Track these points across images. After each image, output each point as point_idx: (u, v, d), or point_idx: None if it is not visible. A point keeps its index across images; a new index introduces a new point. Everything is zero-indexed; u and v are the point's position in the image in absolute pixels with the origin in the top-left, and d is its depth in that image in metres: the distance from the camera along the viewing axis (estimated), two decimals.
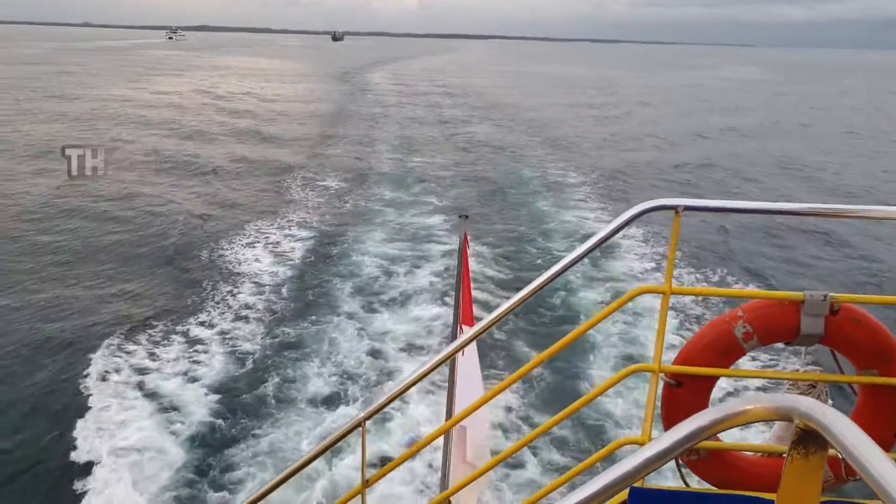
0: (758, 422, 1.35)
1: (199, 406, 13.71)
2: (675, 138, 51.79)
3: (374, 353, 15.90)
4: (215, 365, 15.29)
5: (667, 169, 40.25)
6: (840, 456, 1.17)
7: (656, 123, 60.08)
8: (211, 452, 12.38)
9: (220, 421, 13.27)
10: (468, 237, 5.10)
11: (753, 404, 1.34)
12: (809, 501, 1.30)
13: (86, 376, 14.58)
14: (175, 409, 13.58)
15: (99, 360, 15.18)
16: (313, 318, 17.88)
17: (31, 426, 13.11)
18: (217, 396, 14.09)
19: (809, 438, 1.26)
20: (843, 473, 3.11)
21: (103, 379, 14.52)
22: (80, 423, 12.94)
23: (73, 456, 12.09)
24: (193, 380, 14.64)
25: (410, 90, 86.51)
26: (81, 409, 13.40)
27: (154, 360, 15.39)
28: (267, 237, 24.65)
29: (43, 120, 49.11)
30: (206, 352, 15.90)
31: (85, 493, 11.26)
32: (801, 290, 3.33)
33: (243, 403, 13.92)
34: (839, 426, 1.15)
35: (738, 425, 1.35)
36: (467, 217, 5.23)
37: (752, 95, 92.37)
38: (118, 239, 24.13)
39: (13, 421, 13.22)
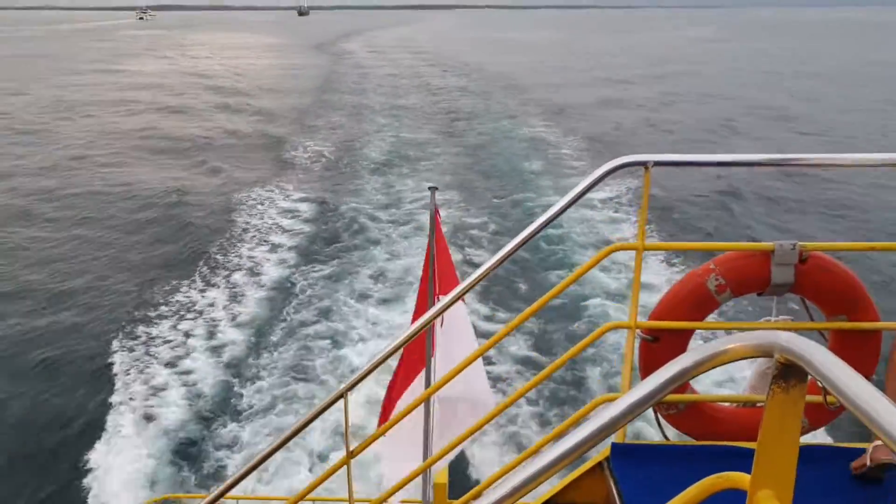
0: (739, 360, 1.37)
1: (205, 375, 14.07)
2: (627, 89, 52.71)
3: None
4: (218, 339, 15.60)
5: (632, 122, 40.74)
6: (820, 384, 1.20)
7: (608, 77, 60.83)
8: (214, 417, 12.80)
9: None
10: (438, 208, 5.06)
11: (733, 343, 1.36)
12: (791, 433, 1.33)
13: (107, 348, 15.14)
14: (186, 375, 14.01)
15: (117, 334, 15.71)
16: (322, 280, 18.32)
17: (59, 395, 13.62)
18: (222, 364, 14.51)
19: (790, 372, 1.29)
20: (824, 399, 3.17)
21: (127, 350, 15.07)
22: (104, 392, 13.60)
23: (96, 419, 12.71)
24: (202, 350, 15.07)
25: (383, 57, 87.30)
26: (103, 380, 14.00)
27: (162, 332, 15.82)
28: (263, 210, 24.85)
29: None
30: (207, 327, 16.14)
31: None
32: (772, 241, 3.36)
33: (241, 374, 14.23)
34: (819, 356, 1.18)
35: (720, 365, 1.36)
36: (437, 188, 5.19)
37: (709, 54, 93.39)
38: (123, 218, 24.25)
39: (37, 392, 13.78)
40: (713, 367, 1.37)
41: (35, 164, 32.23)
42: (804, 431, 3.47)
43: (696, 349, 1.39)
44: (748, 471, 1.40)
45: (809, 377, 1.23)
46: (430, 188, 5.12)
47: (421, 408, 4.41)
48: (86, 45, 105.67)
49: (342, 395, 3.28)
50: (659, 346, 3.51)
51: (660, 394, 1.35)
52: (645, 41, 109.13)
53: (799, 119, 42.38)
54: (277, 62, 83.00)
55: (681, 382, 1.36)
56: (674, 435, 3.69)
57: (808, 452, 3.06)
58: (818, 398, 3.22)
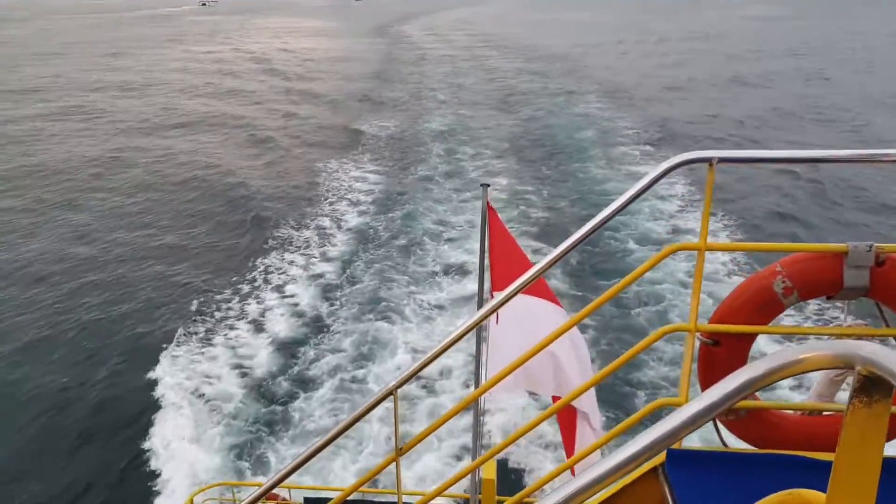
0: (815, 371, 1.26)
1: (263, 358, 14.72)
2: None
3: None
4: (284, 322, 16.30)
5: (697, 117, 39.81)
6: None
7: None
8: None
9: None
10: (491, 205, 5.00)
11: (809, 352, 1.25)
12: (874, 452, 1.21)
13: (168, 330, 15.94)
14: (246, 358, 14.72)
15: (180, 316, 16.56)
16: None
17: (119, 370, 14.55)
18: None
19: (874, 386, 1.17)
20: None
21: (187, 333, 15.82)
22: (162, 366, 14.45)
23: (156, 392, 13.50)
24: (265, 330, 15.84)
25: (441, 39, 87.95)
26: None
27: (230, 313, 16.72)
28: (331, 199, 25.54)
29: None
30: (272, 310, 16.90)
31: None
32: (844, 243, 3.18)
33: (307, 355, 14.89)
34: None
35: (793, 375, 1.26)
36: (489, 186, 5.13)
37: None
38: (187, 200, 25.28)
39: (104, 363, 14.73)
40: (786, 377, 1.27)
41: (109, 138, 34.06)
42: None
43: (769, 357, 1.29)
44: (813, 483, 1.30)
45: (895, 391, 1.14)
46: (482, 185, 5.05)
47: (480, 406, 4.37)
48: (149, 31, 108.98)
49: (391, 393, 3.26)
50: (719, 349, 3.37)
51: (726, 403, 1.26)
52: (714, 21, 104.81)
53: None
54: (338, 44, 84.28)
55: (749, 392, 1.27)
56: (732, 442, 3.55)
57: (889, 465, 2.89)
58: None
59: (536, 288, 4.82)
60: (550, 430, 11.73)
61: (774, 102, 42.39)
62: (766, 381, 1.26)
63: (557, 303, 4.97)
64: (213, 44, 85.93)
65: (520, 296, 3.40)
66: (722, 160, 3.09)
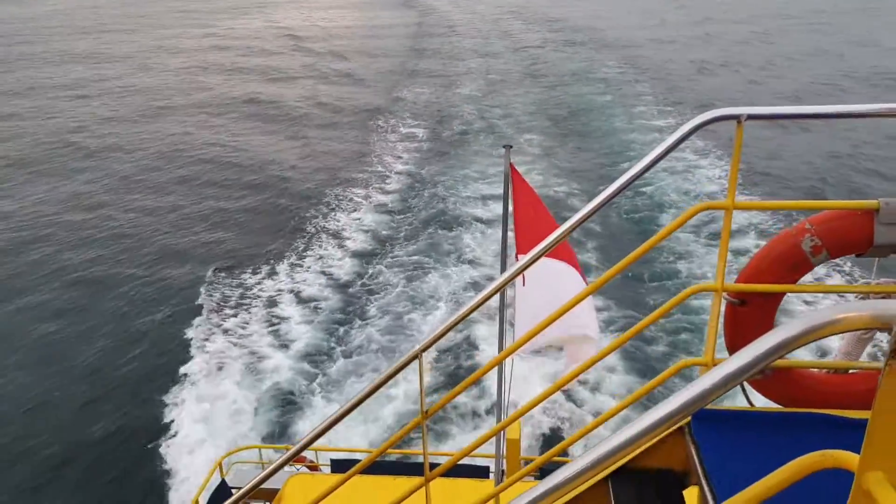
0: (852, 331, 1.24)
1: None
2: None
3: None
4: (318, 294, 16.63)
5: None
6: None
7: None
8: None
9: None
10: (514, 167, 4.94)
11: (846, 312, 1.22)
12: None
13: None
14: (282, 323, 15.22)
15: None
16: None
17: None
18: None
19: None
20: None
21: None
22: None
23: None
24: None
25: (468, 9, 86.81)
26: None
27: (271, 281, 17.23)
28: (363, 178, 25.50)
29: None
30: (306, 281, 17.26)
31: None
32: (875, 199, 3.11)
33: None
34: None
35: (829, 335, 1.24)
36: (511, 147, 5.05)
37: None
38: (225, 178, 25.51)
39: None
40: (821, 338, 1.24)
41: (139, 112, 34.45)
42: None
43: (804, 317, 1.26)
44: (842, 442, 1.28)
45: None
46: (504, 146, 4.98)
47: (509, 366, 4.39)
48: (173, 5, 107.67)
49: (417, 356, 3.28)
50: (746, 309, 3.32)
51: (760, 363, 1.24)
52: None
53: None
54: (368, 15, 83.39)
55: (783, 353, 1.25)
56: (759, 401, 3.53)
57: None
58: None
59: (560, 251, 4.80)
60: (592, 383, 11.89)
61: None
62: (802, 341, 1.24)
63: (577, 267, 4.96)
64: (240, 18, 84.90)
65: (544, 259, 3.38)
66: (751, 116, 3.01)
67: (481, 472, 7.08)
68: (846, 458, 1.32)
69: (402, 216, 20.88)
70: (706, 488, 2.73)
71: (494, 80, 40.21)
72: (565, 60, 45.85)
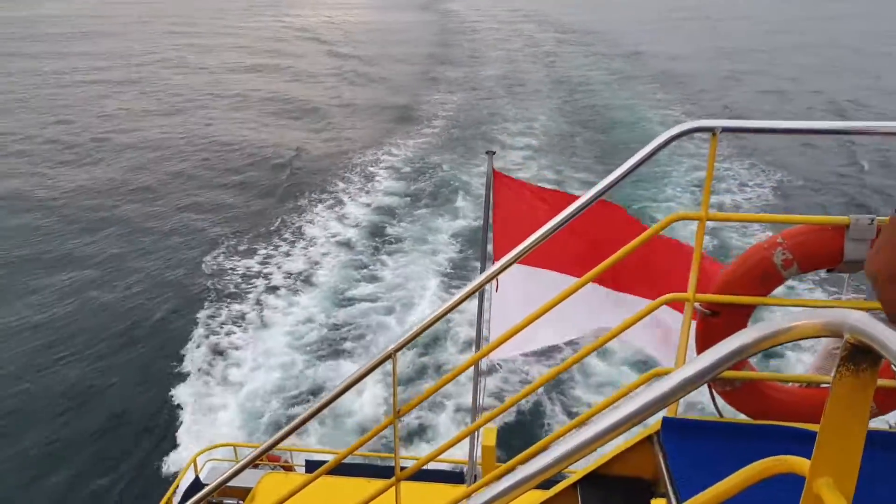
0: (804, 339, 1.27)
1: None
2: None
3: None
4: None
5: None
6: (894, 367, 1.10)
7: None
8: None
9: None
10: (498, 171, 4.96)
11: (799, 321, 1.25)
12: (859, 420, 1.22)
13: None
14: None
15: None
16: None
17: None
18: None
19: (861, 354, 1.18)
20: None
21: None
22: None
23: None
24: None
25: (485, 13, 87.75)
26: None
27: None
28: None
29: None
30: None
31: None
32: (846, 215, 3.16)
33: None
34: (894, 338, 1.07)
35: (783, 343, 1.26)
36: (494, 153, 5.06)
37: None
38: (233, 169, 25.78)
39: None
40: (775, 345, 1.27)
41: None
42: (872, 416, 3.30)
43: (758, 325, 1.30)
44: (806, 453, 1.31)
45: (882, 360, 1.13)
46: (487, 153, 4.98)
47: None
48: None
49: (390, 356, 3.28)
50: (718, 321, 3.36)
51: (717, 369, 1.27)
52: None
53: None
54: (389, 18, 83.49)
55: (739, 359, 1.28)
56: (729, 414, 3.57)
57: (874, 438, 2.92)
58: (891, 382, 3.05)
59: (539, 257, 4.80)
60: (562, 394, 11.92)
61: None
62: (757, 348, 1.27)
63: (568, 271, 4.91)
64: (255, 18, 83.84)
65: (520, 266, 3.39)
66: (726, 129, 3.06)
67: (456, 478, 7.11)
68: (798, 464, 1.35)
69: (403, 220, 21.01)
70: (671, 495, 2.76)
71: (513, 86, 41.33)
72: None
